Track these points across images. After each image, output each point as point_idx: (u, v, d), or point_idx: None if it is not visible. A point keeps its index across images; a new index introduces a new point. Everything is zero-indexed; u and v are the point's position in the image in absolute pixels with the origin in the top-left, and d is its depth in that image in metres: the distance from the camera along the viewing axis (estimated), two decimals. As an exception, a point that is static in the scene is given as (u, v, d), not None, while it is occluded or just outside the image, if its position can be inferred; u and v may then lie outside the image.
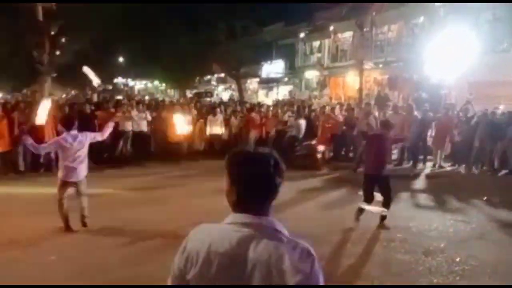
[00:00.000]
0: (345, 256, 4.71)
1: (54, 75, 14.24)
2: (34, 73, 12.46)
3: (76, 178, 5.19)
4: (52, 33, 12.72)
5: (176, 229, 4.86)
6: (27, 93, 13.17)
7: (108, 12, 19.50)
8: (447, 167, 10.27)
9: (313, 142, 10.28)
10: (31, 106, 9.09)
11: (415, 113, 10.68)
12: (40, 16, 12.34)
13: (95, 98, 18.83)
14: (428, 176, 9.49)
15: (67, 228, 5.18)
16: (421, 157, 10.34)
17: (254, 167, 1.26)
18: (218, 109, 11.97)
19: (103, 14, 19.43)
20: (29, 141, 5.14)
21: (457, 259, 4.59)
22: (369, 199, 5.62)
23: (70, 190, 5.28)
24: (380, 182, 5.59)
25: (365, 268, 4.39)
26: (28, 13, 12.42)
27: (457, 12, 14.23)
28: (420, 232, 5.55)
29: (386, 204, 5.64)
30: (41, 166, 9.05)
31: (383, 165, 5.55)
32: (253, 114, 11.74)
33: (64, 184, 5.19)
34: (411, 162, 10.31)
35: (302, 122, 10.76)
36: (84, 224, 5.30)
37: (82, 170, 5.25)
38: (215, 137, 11.39)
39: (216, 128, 11.33)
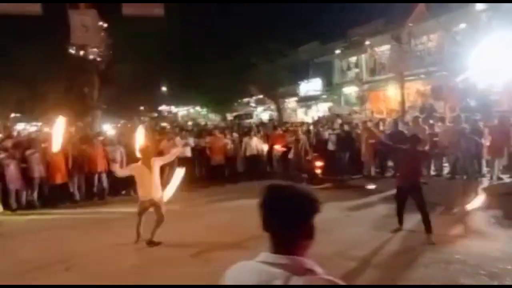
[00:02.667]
0: (403, 282, 4.44)
1: (104, 107, 15.22)
2: (86, 107, 13.41)
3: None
4: (101, 69, 13.71)
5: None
6: (80, 126, 14.22)
7: (149, 46, 20.67)
8: (506, 178, 9.54)
9: (310, 157, 10.51)
10: (85, 139, 9.72)
11: (464, 124, 10.07)
12: (89, 56, 13.36)
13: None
14: (485, 190, 8.84)
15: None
16: (476, 169, 9.71)
17: (285, 204, 1.24)
18: (253, 132, 12.08)
19: (145, 49, 20.64)
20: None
21: (528, 283, 4.20)
22: (400, 212, 6.08)
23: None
24: (412, 195, 5.80)
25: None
26: (77, 53, 13.50)
27: (501, 16, 13.52)
28: (481, 252, 5.12)
29: (425, 219, 5.61)
30: (95, 195, 9.60)
31: (413, 178, 5.82)
32: (277, 132, 12.43)
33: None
34: (464, 177, 9.70)
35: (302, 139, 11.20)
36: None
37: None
38: (252, 158, 11.49)
39: (251, 150, 11.45)
